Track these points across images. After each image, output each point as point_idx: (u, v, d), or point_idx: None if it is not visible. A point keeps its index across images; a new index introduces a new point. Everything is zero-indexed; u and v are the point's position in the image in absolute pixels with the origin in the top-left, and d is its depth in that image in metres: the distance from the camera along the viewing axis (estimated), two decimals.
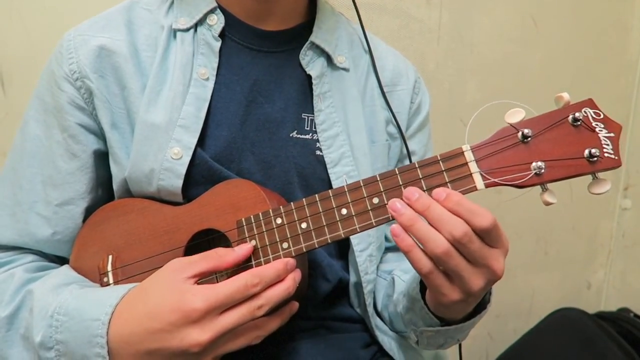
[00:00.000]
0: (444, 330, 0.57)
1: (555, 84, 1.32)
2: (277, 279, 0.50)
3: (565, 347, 1.20)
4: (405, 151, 0.71)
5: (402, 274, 0.66)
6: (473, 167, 0.48)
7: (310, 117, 0.64)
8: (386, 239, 0.73)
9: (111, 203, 0.62)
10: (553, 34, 1.30)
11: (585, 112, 0.48)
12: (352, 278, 0.67)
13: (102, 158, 0.63)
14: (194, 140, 0.58)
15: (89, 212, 0.62)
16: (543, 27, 1.28)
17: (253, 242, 0.53)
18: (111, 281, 0.58)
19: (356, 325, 0.68)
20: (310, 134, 0.64)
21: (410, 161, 0.71)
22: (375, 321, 0.67)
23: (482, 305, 0.56)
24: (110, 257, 0.59)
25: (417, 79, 0.74)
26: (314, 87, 0.63)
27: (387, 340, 0.67)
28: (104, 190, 0.64)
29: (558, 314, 1.29)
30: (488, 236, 0.46)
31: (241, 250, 0.51)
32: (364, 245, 0.64)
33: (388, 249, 0.74)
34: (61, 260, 0.63)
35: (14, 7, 0.93)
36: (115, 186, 0.62)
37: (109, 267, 0.58)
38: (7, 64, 0.94)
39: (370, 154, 0.66)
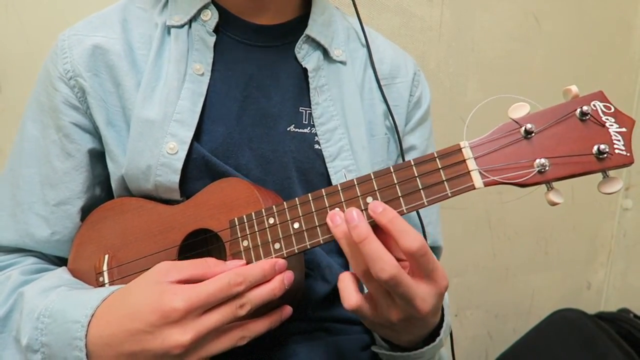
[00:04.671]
0: (388, 354, 0.56)
1: (558, 83, 1.30)
2: (262, 279, 0.48)
3: (565, 347, 1.20)
4: (406, 145, 0.70)
5: None
6: (471, 164, 0.46)
7: (307, 111, 0.63)
8: None
9: (108, 202, 0.61)
10: (555, 32, 1.29)
11: (594, 105, 0.45)
12: None
13: (98, 157, 0.62)
14: (190, 135, 0.58)
15: (86, 211, 0.62)
16: (545, 25, 1.28)
17: (243, 261, 0.51)
18: (106, 281, 0.58)
19: (355, 327, 0.67)
20: (309, 128, 0.63)
21: (403, 158, 0.69)
22: None
23: (433, 336, 0.54)
24: (106, 256, 0.58)
25: (416, 71, 0.73)
26: (310, 80, 0.63)
27: None
28: (102, 189, 0.64)
29: (558, 314, 1.29)
30: (415, 262, 0.44)
31: (232, 265, 0.50)
32: None
33: None
34: (62, 262, 0.62)
35: (9, 3, 0.92)
36: (113, 185, 0.61)
37: (105, 267, 0.58)
38: (3, 61, 0.94)
39: (369, 147, 0.65)
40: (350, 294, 0.47)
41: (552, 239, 1.43)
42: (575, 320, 1.24)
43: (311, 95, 0.63)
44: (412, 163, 0.47)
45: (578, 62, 1.33)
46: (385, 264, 0.43)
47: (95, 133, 0.61)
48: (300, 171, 0.62)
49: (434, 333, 0.54)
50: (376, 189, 0.48)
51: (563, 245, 1.45)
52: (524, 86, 1.28)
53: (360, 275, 0.46)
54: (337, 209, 0.47)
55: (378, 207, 0.45)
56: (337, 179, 0.62)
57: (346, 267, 0.67)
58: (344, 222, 0.46)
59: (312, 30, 0.64)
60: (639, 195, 1.46)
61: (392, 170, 0.48)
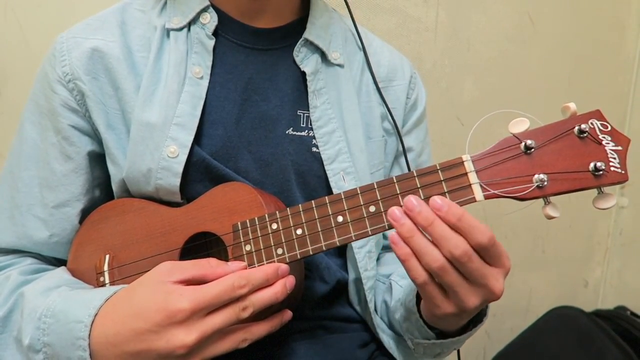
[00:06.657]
0: (439, 342, 0.57)
1: (553, 83, 1.32)
2: (265, 283, 0.49)
3: (562, 345, 1.20)
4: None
5: (400, 279, 0.66)
6: (473, 177, 0.47)
7: (305, 114, 0.64)
8: (384, 236, 0.73)
9: (110, 202, 0.62)
10: (550, 32, 1.30)
11: (592, 123, 0.46)
12: (352, 275, 0.67)
13: (97, 159, 0.62)
14: (190, 138, 0.58)
15: (85, 213, 0.62)
16: (540, 25, 1.28)
17: (245, 263, 0.52)
18: (107, 281, 0.58)
19: (354, 325, 0.68)
20: (307, 131, 0.63)
21: (406, 158, 0.70)
22: (376, 319, 0.66)
23: (479, 316, 0.56)
24: (107, 256, 0.59)
25: (412, 74, 0.73)
26: (308, 83, 0.63)
27: (387, 338, 0.67)
28: (101, 191, 0.64)
29: (555, 312, 1.29)
30: (487, 253, 0.46)
31: (234, 266, 0.50)
32: (363, 242, 0.64)
33: (385, 248, 0.74)
34: (60, 263, 0.63)
35: (9, 5, 0.92)
36: (114, 187, 0.62)
37: (106, 267, 0.58)
38: (2, 64, 0.94)
39: (367, 150, 0.65)
40: (419, 271, 0.46)
41: (549, 238, 1.44)
42: (572, 318, 1.25)
43: (309, 98, 0.63)
44: (415, 174, 0.48)
45: (573, 61, 1.34)
46: (456, 239, 0.44)
47: (95, 135, 0.61)
48: (298, 174, 0.63)
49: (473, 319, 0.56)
50: (379, 198, 0.49)
51: (560, 244, 1.46)
52: (519, 86, 1.29)
53: (433, 270, 0.45)
54: (395, 208, 0.47)
55: (443, 206, 0.45)
56: (335, 181, 0.62)
57: (344, 268, 0.67)
58: (406, 217, 0.46)
59: (310, 33, 0.64)
60: (635, 193, 1.47)
61: (395, 180, 0.49)
